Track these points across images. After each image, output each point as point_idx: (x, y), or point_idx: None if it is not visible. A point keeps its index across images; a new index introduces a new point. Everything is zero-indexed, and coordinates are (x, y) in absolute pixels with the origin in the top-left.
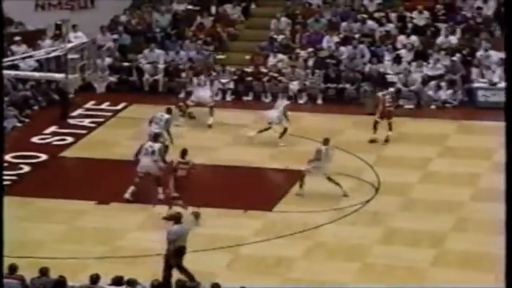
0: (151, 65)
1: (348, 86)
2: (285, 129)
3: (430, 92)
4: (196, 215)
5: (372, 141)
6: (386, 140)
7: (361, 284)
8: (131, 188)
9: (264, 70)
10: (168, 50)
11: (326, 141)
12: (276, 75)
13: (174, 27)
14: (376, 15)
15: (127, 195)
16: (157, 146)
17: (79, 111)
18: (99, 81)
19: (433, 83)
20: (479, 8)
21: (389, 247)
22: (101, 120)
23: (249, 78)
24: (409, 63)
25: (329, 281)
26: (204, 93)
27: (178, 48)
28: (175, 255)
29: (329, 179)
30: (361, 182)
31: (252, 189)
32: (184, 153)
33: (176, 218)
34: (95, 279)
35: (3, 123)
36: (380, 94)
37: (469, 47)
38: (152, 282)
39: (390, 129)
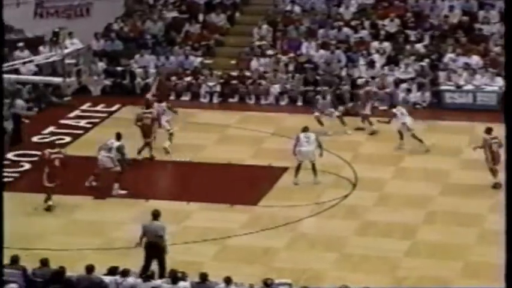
0: (143, 69)
1: (325, 89)
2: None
3: (402, 94)
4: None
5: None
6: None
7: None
8: None
9: (247, 74)
10: (159, 55)
11: (305, 129)
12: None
13: (164, 34)
14: (352, 23)
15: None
16: None
17: (76, 112)
18: (95, 84)
19: (404, 85)
20: (446, 16)
21: (365, 238)
22: (97, 120)
23: (234, 82)
24: (382, 67)
25: (309, 269)
26: None
27: (168, 54)
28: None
29: (313, 165)
30: (339, 178)
31: (238, 185)
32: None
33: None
34: (90, 269)
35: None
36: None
37: (436, 52)
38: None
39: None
